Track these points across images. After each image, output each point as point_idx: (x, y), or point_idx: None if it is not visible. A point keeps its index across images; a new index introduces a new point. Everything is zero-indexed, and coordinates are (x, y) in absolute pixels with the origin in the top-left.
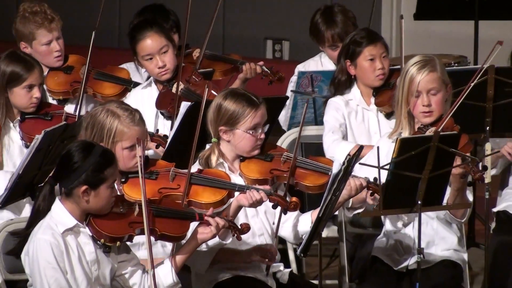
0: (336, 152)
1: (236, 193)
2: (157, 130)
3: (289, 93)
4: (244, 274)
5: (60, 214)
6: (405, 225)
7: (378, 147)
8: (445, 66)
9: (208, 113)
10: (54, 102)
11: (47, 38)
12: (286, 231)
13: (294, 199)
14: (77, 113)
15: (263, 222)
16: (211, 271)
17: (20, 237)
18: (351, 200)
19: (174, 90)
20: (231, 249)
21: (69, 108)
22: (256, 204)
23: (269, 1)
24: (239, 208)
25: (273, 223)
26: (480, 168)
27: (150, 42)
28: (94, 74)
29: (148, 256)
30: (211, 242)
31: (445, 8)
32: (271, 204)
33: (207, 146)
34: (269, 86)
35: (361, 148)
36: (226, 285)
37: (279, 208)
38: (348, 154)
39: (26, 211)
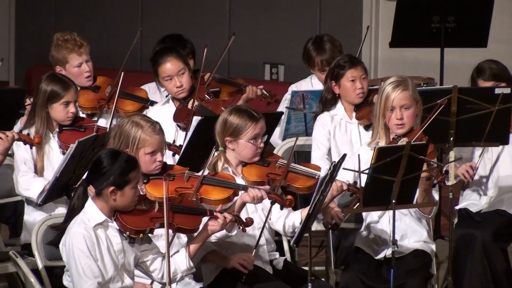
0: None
1: (240, 192)
2: (174, 141)
3: (284, 109)
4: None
5: (92, 211)
6: (379, 217)
7: (358, 155)
8: (416, 86)
9: (215, 126)
10: (84, 115)
11: (78, 61)
12: (280, 226)
13: (289, 197)
14: (108, 126)
15: (261, 217)
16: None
17: (58, 230)
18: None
19: (189, 106)
20: (220, 253)
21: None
22: (257, 201)
23: (267, 31)
24: (243, 204)
25: (270, 219)
26: (443, 173)
27: (170, 66)
28: (119, 93)
29: (166, 246)
30: (219, 234)
31: (416, 37)
32: (270, 201)
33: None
34: (266, 104)
35: (344, 156)
36: (231, 270)
37: (273, 206)
38: (334, 161)
39: (60, 210)
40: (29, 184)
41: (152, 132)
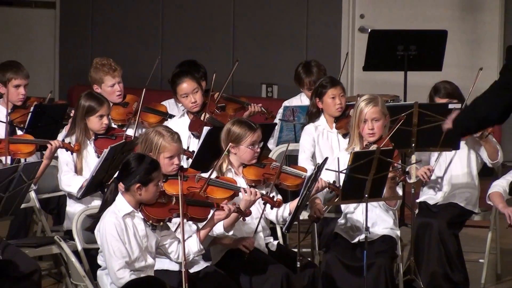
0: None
1: (240, 193)
2: (188, 147)
3: (277, 121)
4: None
5: (121, 203)
6: (355, 208)
7: (338, 158)
8: (384, 102)
9: (221, 134)
10: (115, 126)
11: (111, 82)
12: (273, 216)
13: (279, 199)
14: (133, 135)
15: (258, 209)
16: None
17: (94, 218)
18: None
19: (202, 118)
20: (228, 236)
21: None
22: (253, 202)
23: (264, 57)
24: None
25: (265, 211)
26: (405, 173)
27: (186, 85)
28: (143, 108)
29: (181, 232)
30: (218, 231)
31: (384, 63)
32: (263, 202)
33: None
34: (264, 118)
35: (326, 159)
36: (235, 251)
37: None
38: (318, 163)
39: (95, 202)
40: (70, 181)
41: (171, 140)
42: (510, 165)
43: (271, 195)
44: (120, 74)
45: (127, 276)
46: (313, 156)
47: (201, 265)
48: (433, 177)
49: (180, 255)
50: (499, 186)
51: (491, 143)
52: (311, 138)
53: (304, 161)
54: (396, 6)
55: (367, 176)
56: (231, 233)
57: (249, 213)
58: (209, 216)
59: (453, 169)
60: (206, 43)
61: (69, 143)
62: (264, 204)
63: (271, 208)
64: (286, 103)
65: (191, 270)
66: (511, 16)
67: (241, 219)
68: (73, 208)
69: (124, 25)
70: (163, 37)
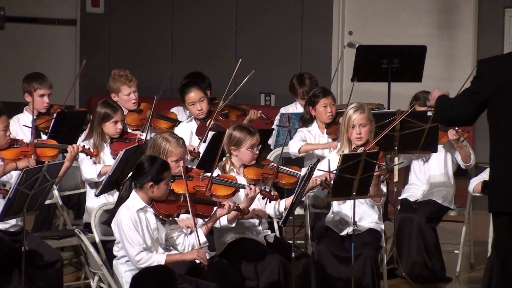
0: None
1: (241, 190)
2: (194, 149)
3: (274, 126)
4: (248, 236)
5: (135, 199)
6: (344, 204)
7: (329, 160)
8: (371, 110)
9: (224, 138)
10: (130, 130)
11: (128, 91)
12: (271, 211)
13: (275, 194)
14: (144, 139)
15: (258, 205)
16: (226, 235)
17: (110, 213)
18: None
19: (207, 124)
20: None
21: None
22: (254, 197)
23: (263, 70)
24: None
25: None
26: (388, 173)
27: (193, 95)
28: (155, 115)
29: (193, 224)
30: (223, 223)
31: (370, 75)
32: (261, 196)
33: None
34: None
35: (318, 160)
36: (237, 242)
37: (266, 198)
38: (311, 164)
39: (111, 199)
40: (89, 169)
41: (177, 146)
42: (483, 166)
43: (267, 190)
44: (135, 84)
45: (144, 257)
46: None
47: (207, 255)
48: (413, 176)
49: (185, 246)
50: (477, 180)
51: (465, 148)
52: (303, 135)
53: (294, 141)
54: (381, 24)
55: (354, 175)
56: (233, 225)
57: (247, 212)
58: (212, 212)
59: (431, 170)
60: (211, 56)
61: (89, 148)
62: (263, 199)
63: (269, 201)
64: (283, 110)
65: (197, 260)
66: (483, 34)
67: (240, 216)
68: (92, 203)
69: (138, 41)
70: (173, 51)
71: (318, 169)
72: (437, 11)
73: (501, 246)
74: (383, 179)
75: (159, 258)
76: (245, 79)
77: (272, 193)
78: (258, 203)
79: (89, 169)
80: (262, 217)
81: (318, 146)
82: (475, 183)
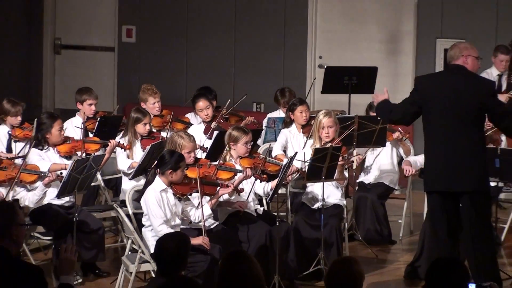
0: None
1: (239, 174)
2: (203, 145)
3: (263, 127)
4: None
5: (159, 183)
6: (315, 185)
7: (304, 152)
8: (336, 115)
9: (225, 137)
10: (154, 130)
11: (153, 101)
12: (260, 190)
13: (264, 176)
14: (166, 137)
15: (248, 187)
16: (226, 210)
17: (140, 193)
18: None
19: (212, 126)
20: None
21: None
22: (248, 177)
23: (254, 84)
24: (241, 179)
25: (254, 186)
26: (349, 162)
27: (201, 104)
28: (173, 118)
29: (200, 203)
30: (226, 197)
31: (335, 88)
32: (254, 178)
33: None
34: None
35: (296, 153)
36: (234, 214)
37: (257, 180)
38: (290, 156)
39: (141, 181)
40: (123, 162)
41: (189, 141)
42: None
43: (259, 174)
44: (159, 95)
45: (164, 229)
46: (285, 150)
47: (212, 223)
48: (367, 165)
49: (196, 217)
50: (410, 158)
51: (406, 144)
52: (285, 137)
53: (276, 147)
54: (344, 50)
55: (323, 164)
56: (233, 197)
57: (242, 190)
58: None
59: (380, 160)
60: (215, 74)
61: (123, 143)
62: (255, 180)
63: (260, 182)
64: (269, 115)
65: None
66: (419, 58)
67: (237, 194)
68: (126, 185)
69: (160, 62)
70: (187, 70)
71: (296, 160)
72: (386, 41)
73: (432, 215)
74: (345, 166)
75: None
76: (239, 101)
77: (262, 176)
78: (249, 184)
79: (122, 162)
80: (244, 208)
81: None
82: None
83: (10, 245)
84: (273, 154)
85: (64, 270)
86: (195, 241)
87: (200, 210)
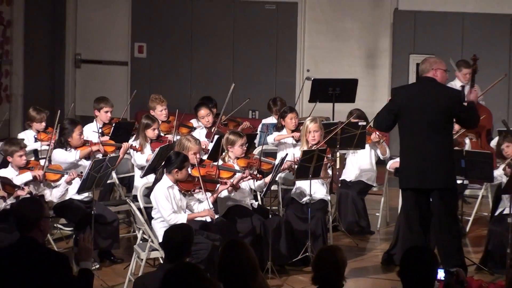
0: (269, 137)
1: (237, 173)
2: (205, 147)
3: (258, 132)
4: (240, 204)
5: (166, 180)
6: (303, 182)
7: (293, 154)
8: (321, 121)
9: (223, 140)
10: (162, 134)
11: (161, 108)
12: (256, 187)
13: (259, 176)
14: (172, 140)
15: (246, 184)
16: (225, 203)
17: (149, 189)
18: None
19: (212, 130)
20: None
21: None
22: (245, 177)
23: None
24: (239, 179)
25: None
26: (333, 162)
27: (203, 111)
28: (179, 124)
29: (206, 196)
30: (225, 194)
31: (321, 98)
32: (250, 177)
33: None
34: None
35: (286, 154)
36: (233, 208)
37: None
38: (282, 156)
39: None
40: (139, 158)
41: (195, 143)
42: (395, 157)
43: (254, 173)
44: (166, 104)
45: (173, 218)
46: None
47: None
48: (349, 165)
49: (198, 210)
50: (392, 161)
51: (383, 146)
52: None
53: (271, 135)
54: (328, 64)
55: (310, 164)
56: (232, 194)
57: (239, 187)
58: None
59: (360, 160)
60: (216, 85)
61: (135, 146)
62: (251, 179)
63: (256, 181)
64: (263, 121)
65: (208, 218)
66: (395, 71)
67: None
68: (138, 182)
69: (168, 75)
70: (191, 82)
71: (286, 160)
72: (365, 56)
73: (406, 211)
74: (329, 166)
75: (182, 217)
76: (241, 105)
77: (257, 175)
78: (246, 183)
79: (139, 158)
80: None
81: (285, 136)
82: (391, 163)
83: (38, 235)
84: (270, 140)
85: (83, 257)
86: (202, 214)
87: (206, 201)
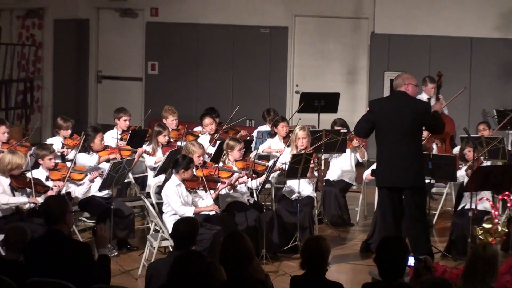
0: (260, 147)
1: (235, 174)
2: (208, 151)
3: (254, 138)
4: (238, 200)
5: (174, 179)
6: (293, 181)
7: (284, 157)
8: (309, 129)
9: (223, 145)
10: (172, 140)
11: (172, 118)
12: (251, 185)
13: (254, 175)
14: (180, 145)
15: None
16: (225, 199)
17: (160, 187)
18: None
19: (215, 137)
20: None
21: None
22: (242, 177)
23: (247, 106)
24: (237, 178)
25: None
26: (319, 165)
27: (206, 121)
28: (186, 132)
29: (209, 193)
30: (225, 191)
31: (308, 109)
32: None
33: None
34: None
35: (278, 157)
36: (232, 203)
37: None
38: (274, 159)
39: (161, 178)
40: (150, 161)
41: (199, 148)
42: (372, 161)
43: (250, 174)
44: (176, 114)
45: (182, 209)
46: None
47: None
48: (332, 166)
49: (202, 206)
50: (366, 172)
51: (362, 151)
52: (269, 143)
53: (262, 147)
54: (314, 80)
55: (299, 166)
56: (231, 192)
57: (236, 186)
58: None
59: (342, 162)
60: (218, 98)
61: (149, 151)
62: (248, 178)
63: (251, 180)
64: (259, 129)
65: (211, 213)
66: (372, 86)
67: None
68: (151, 181)
69: (177, 89)
70: (197, 96)
71: (278, 162)
72: (346, 73)
73: (381, 206)
74: (316, 167)
75: (190, 209)
76: (240, 119)
77: (252, 175)
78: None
79: (150, 160)
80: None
81: (272, 150)
82: (366, 174)
83: (63, 227)
84: (259, 150)
85: (100, 245)
86: (208, 208)
87: (209, 197)
